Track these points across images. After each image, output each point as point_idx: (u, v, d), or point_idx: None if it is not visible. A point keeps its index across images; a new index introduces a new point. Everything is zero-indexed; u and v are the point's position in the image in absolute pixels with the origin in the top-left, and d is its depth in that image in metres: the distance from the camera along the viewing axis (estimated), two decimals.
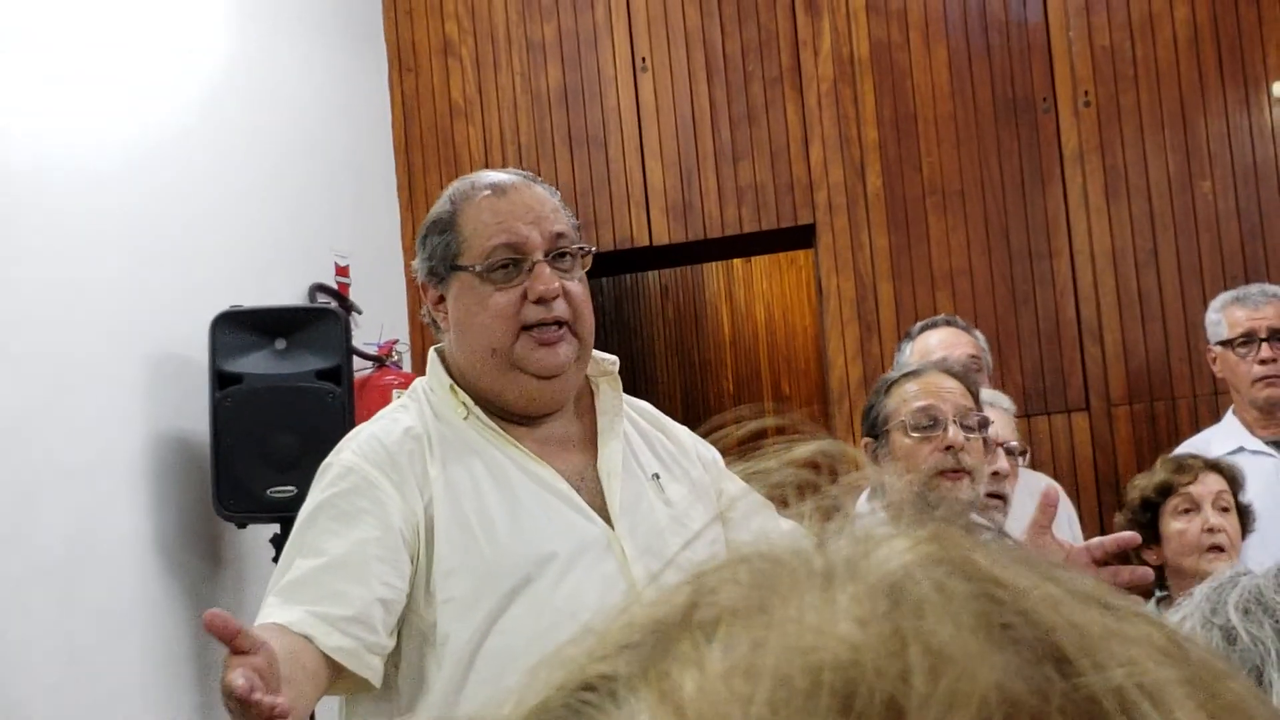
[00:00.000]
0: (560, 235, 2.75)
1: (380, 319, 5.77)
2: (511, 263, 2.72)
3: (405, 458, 2.66)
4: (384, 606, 2.53)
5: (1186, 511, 4.08)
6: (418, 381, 2.88)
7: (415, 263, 2.85)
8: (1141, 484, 4.18)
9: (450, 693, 2.55)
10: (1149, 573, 2.74)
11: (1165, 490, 4.11)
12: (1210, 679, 0.47)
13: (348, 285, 5.89)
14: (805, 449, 0.56)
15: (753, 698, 0.43)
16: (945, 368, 3.57)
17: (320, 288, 5.72)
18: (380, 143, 6.50)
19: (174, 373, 4.99)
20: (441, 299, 2.80)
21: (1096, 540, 2.76)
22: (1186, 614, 1.08)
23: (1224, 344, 5.07)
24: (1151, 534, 4.08)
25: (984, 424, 3.47)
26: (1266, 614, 1.04)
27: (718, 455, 2.94)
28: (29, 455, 4.37)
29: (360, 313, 5.67)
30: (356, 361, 5.30)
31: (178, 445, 4.99)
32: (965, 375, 3.57)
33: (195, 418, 4.97)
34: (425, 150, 6.53)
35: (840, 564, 0.48)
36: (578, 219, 6.42)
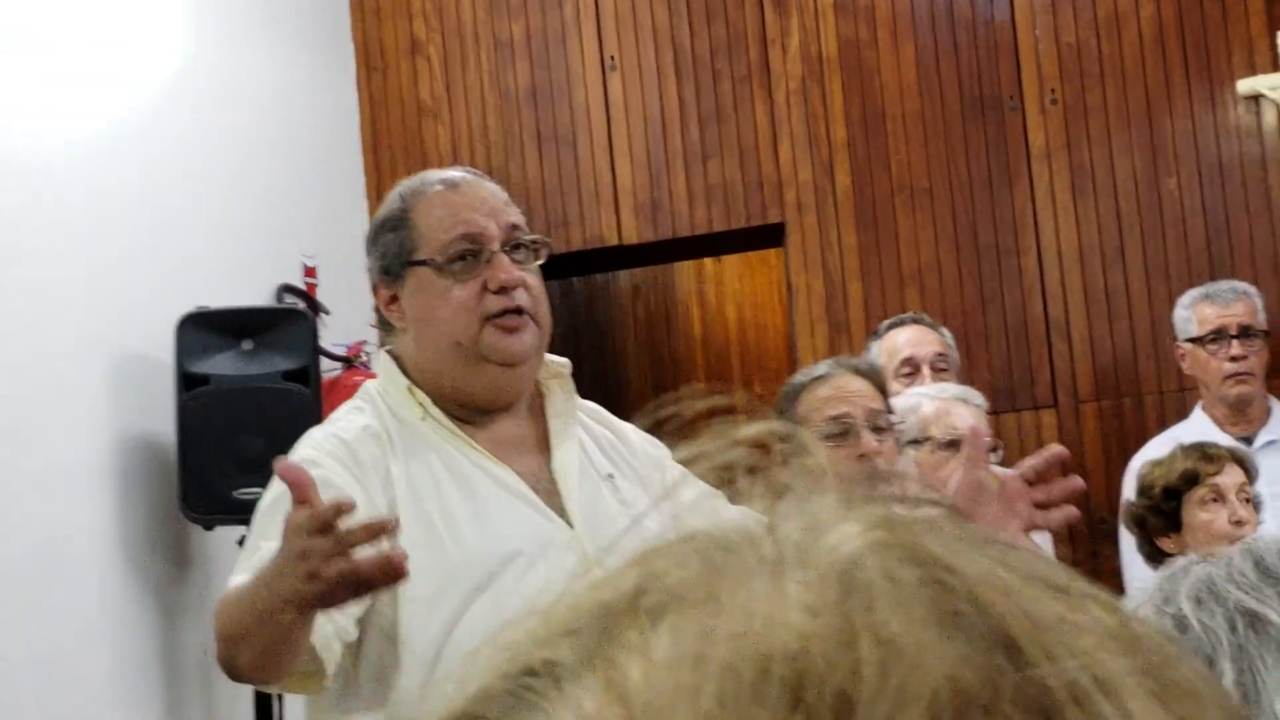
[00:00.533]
0: (515, 226, 2.77)
1: (348, 320, 5.75)
2: (470, 254, 2.72)
3: (367, 455, 2.65)
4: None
5: (1214, 501, 4.05)
6: (369, 384, 2.87)
7: (372, 264, 2.84)
8: (1162, 472, 4.13)
9: (413, 691, 2.53)
10: (1079, 483, 2.76)
11: (1191, 479, 4.08)
12: (1162, 665, 0.47)
13: (315, 286, 5.87)
14: (753, 430, 0.56)
15: (700, 689, 0.43)
16: (853, 367, 3.55)
17: (287, 288, 5.70)
18: (348, 142, 6.48)
19: (140, 374, 4.97)
20: (394, 299, 2.79)
21: (1026, 463, 2.77)
22: (1140, 604, 1.08)
23: (1194, 341, 5.10)
24: (1172, 522, 4.05)
25: (893, 423, 3.46)
26: (1219, 603, 1.04)
27: (666, 452, 2.94)
28: None
29: (328, 313, 5.65)
30: (324, 362, 5.29)
31: (144, 447, 4.97)
32: (873, 374, 3.56)
33: (161, 419, 4.95)
34: (393, 150, 6.52)
35: (790, 550, 0.48)
36: (546, 218, 6.42)
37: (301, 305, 5.52)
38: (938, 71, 6.11)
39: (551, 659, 0.47)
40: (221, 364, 4.96)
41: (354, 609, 2.51)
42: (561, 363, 2.88)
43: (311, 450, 2.65)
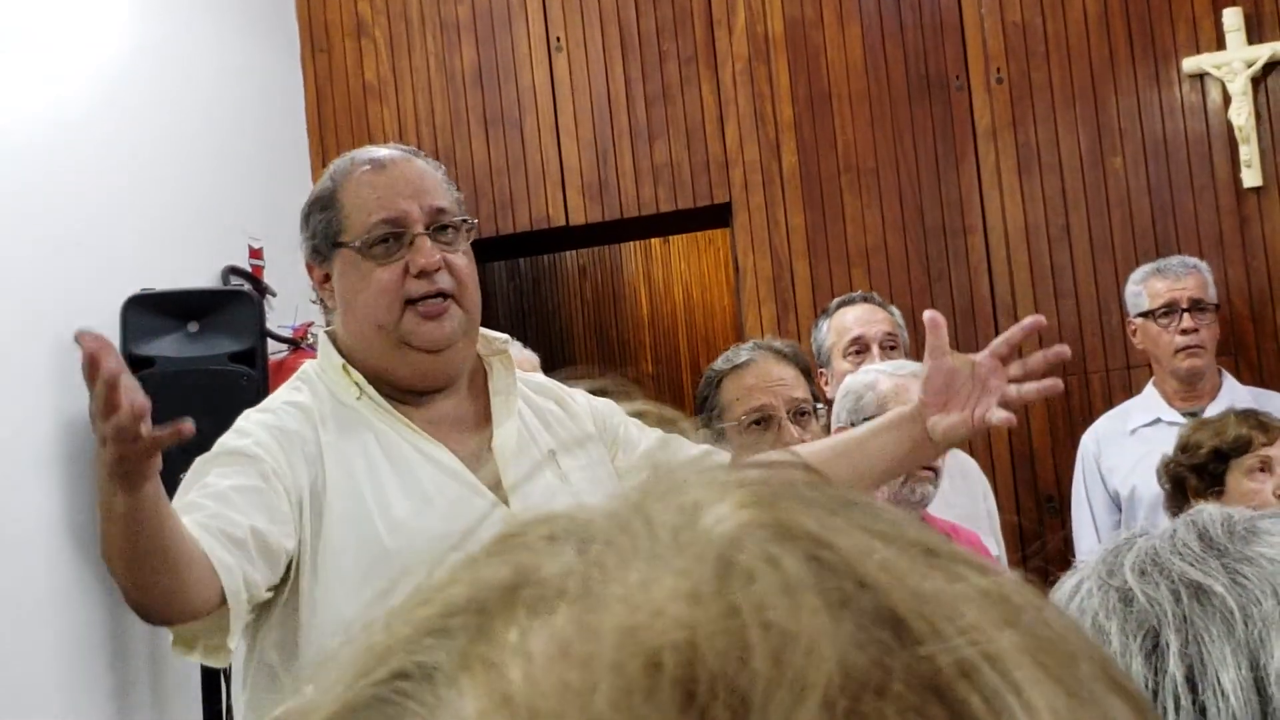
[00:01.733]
0: (440, 210, 2.74)
1: (295, 301, 5.72)
2: (392, 236, 2.70)
3: (296, 426, 2.64)
4: (263, 553, 2.48)
5: (1261, 471, 4.02)
6: (308, 364, 2.86)
7: (304, 242, 2.83)
8: (1211, 433, 4.09)
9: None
10: (1063, 350, 2.76)
11: (1243, 445, 4.05)
12: (1038, 626, 0.47)
13: (261, 268, 5.84)
14: (629, 408, 0.55)
15: (590, 690, 0.42)
16: (776, 351, 3.54)
17: (233, 270, 5.68)
18: (293, 124, 6.45)
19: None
20: (327, 277, 2.78)
21: (998, 340, 2.79)
22: (1084, 576, 1.08)
23: (1145, 315, 5.13)
24: (1215, 484, 4.04)
25: (818, 410, 3.45)
26: (1163, 575, 1.05)
27: (611, 404, 2.93)
28: None
29: (275, 295, 5.62)
30: (271, 344, 5.27)
31: (88, 429, 4.92)
32: (797, 358, 3.54)
33: None
34: (339, 131, 6.49)
35: (665, 534, 0.46)
36: (493, 199, 6.40)
37: (247, 287, 5.49)
38: (884, 51, 6.12)
39: (425, 662, 0.45)
40: (167, 346, 4.93)
41: (266, 571, 2.49)
42: (502, 339, 2.87)
43: (245, 422, 2.65)
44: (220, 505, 2.48)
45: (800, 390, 3.40)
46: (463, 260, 2.76)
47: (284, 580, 2.58)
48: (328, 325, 2.86)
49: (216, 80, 5.92)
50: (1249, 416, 4.15)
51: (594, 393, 2.94)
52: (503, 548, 0.48)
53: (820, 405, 3.50)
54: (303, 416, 2.67)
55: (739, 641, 0.42)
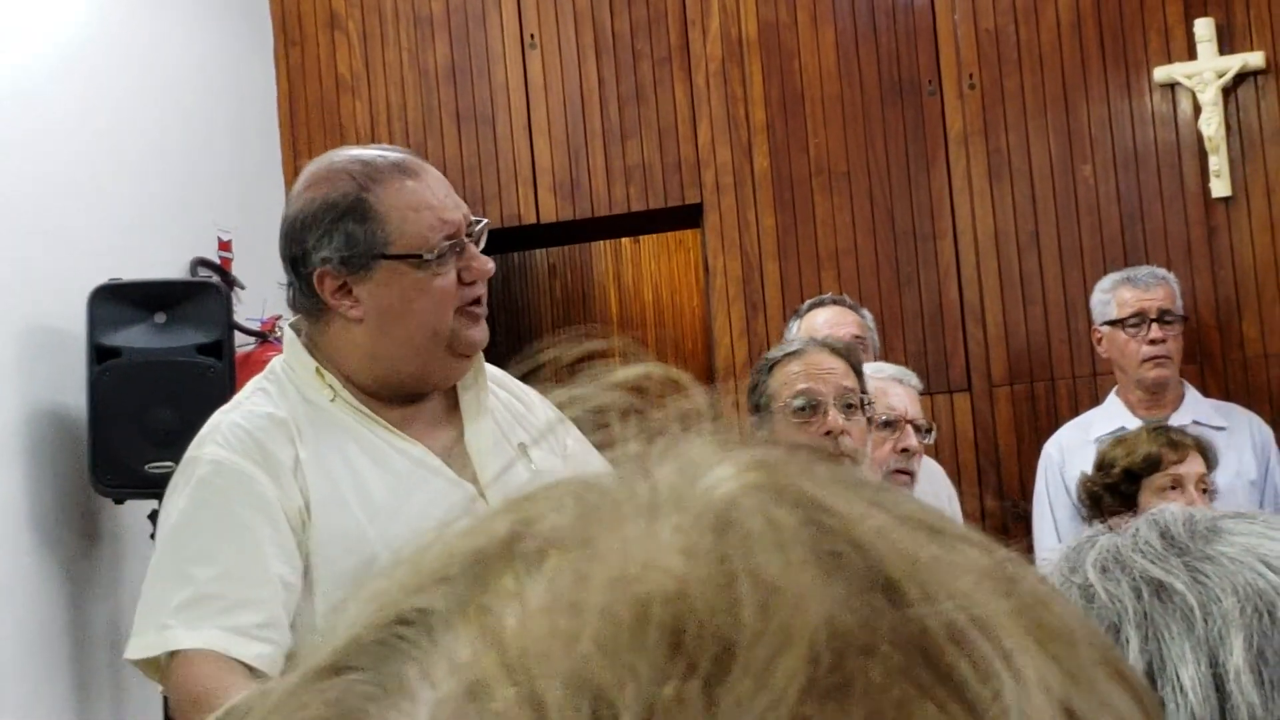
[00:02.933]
0: (470, 215, 2.75)
1: (263, 295, 5.70)
2: (450, 247, 2.69)
3: (274, 445, 2.60)
4: (287, 607, 2.50)
5: (1172, 489, 4.02)
6: (275, 361, 2.80)
7: (315, 252, 2.68)
8: (1124, 453, 4.10)
9: None
10: None
11: (1153, 464, 4.07)
12: (1037, 605, 0.47)
13: (230, 260, 5.82)
14: (630, 372, 0.55)
15: (578, 634, 0.42)
16: (830, 345, 3.56)
17: (202, 262, 5.66)
18: (265, 116, 6.44)
19: (51, 346, 4.92)
20: (342, 286, 2.69)
21: None
22: (1047, 574, 1.08)
23: (1112, 324, 5.15)
24: (1128, 504, 4.04)
25: (866, 403, 3.47)
26: (1124, 572, 1.05)
27: (563, 419, 2.92)
28: None
29: (243, 288, 5.61)
30: (239, 337, 5.25)
31: (54, 419, 4.92)
32: (849, 353, 3.56)
33: (72, 391, 4.90)
34: (310, 124, 6.48)
35: (665, 492, 0.47)
36: (465, 196, 6.40)
37: (216, 279, 5.48)
38: (857, 55, 6.13)
39: (424, 607, 0.46)
40: (134, 336, 4.92)
41: (292, 608, 2.50)
42: None
43: (219, 449, 2.59)
44: (233, 588, 2.48)
45: (850, 381, 3.41)
46: None
47: None
48: (294, 321, 2.81)
49: (189, 71, 5.91)
50: (1160, 434, 4.16)
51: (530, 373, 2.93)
52: (508, 506, 0.49)
53: (870, 401, 3.51)
54: (278, 431, 2.63)
55: (728, 593, 0.43)
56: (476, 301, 2.71)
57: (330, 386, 2.70)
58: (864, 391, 3.47)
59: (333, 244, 2.68)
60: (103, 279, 4.94)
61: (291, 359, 2.75)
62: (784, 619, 0.42)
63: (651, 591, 0.43)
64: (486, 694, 0.42)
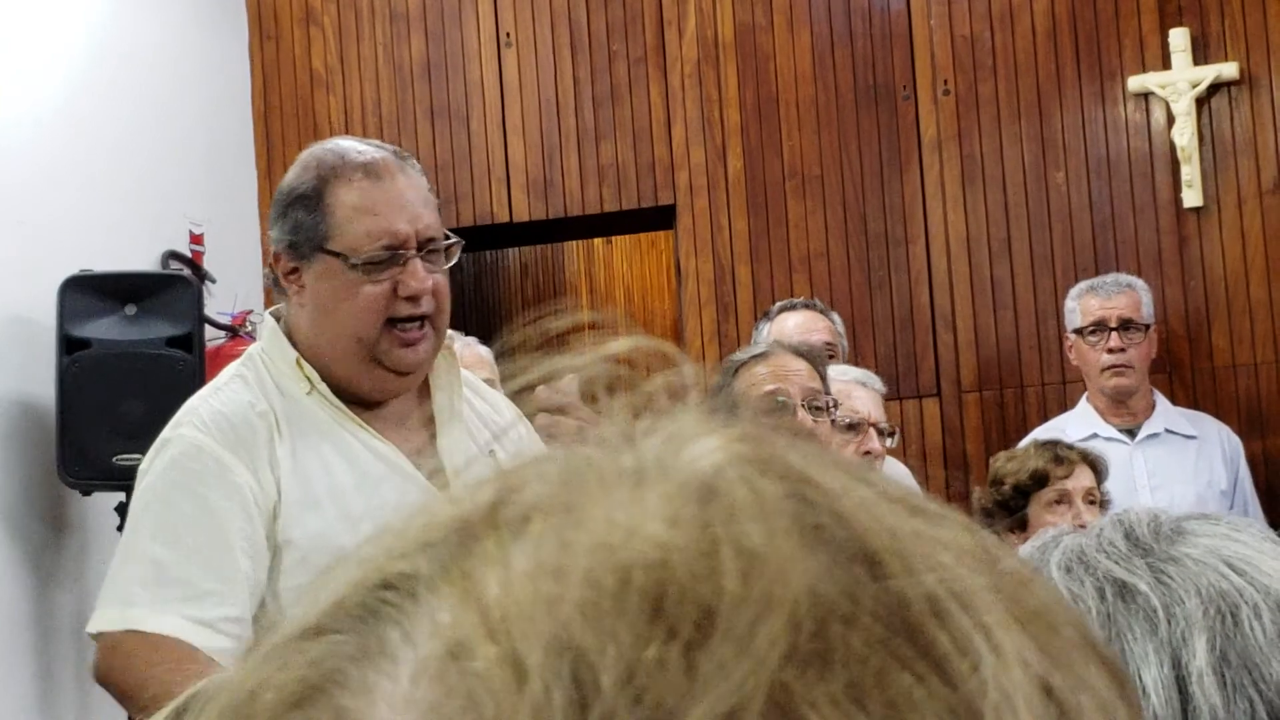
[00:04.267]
0: (432, 238, 2.69)
1: (235, 288, 5.70)
2: (386, 258, 2.65)
3: (253, 437, 2.59)
4: (251, 601, 2.49)
5: (1059, 503, 4.04)
6: (253, 349, 2.79)
7: (272, 231, 2.74)
8: (1013, 469, 4.12)
9: None
10: None
11: (1040, 479, 4.08)
12: (1017, 585, 0.47)
13: (202, 253, 5.81)
14: (618, 345, 0.56)
15: (560, 599, 0.43)
16: (793, 348, 3.57)
17: (173, 255, 5.65)
18: (239, 110, 6.42)
19: (20, 336, 4.90)
20: (295, 270, 2.70)
21: None
22: None
23: (1077, 332, 5.16)
24: (1018, 521, 4.04)
25: (832, 405, 3.48)
26: (1088, 572, 1.05)
27: (522, 414, 2.92)
28: None
29: (214, 281, 5.60)
30: (209, 331, 5.24)
31: (22, 410, 4.90)
32: (813, 355, 3.57)
33: (41, 382, 4.89)
34: (285, 119, 6.46)
35: (650, 462, 0.47)
36: (439, 194, 6.39)
37: (187, 272, 5.46)
38: (832, 59, 6.14)
39: (407, 571, 0.46)
40: (104, 328, 4.90)
41: (248, 624, 2.49)
42: (449, 336, 2.83)
43: (198, 434, 2.58)
44: (199, 576, 2.47)
45: (815, 383, 3.43)
46: (443, 280, 2.71)
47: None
48: (276, 309, 2.80)
49: (163, 63, 5.89)
50: (1046, 448, 4.18)
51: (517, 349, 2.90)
52: (493, 476, 0.49)
53: (835, 403, 3.52)
54: (259, 423, 2.62)
55: (711, 561, 0.43)
56: (413, 321, 2.66)
57: (308, 379, 2.68)
58: (828, 394, 3.49)
59: (285, 227, 2.71)
60: (74, 270, 4.93)
61: (270, 348, 2.73)
62: (766, 586, 0.43)
63: (634, 557, 0.43)
64: (468, 654, 0.43)
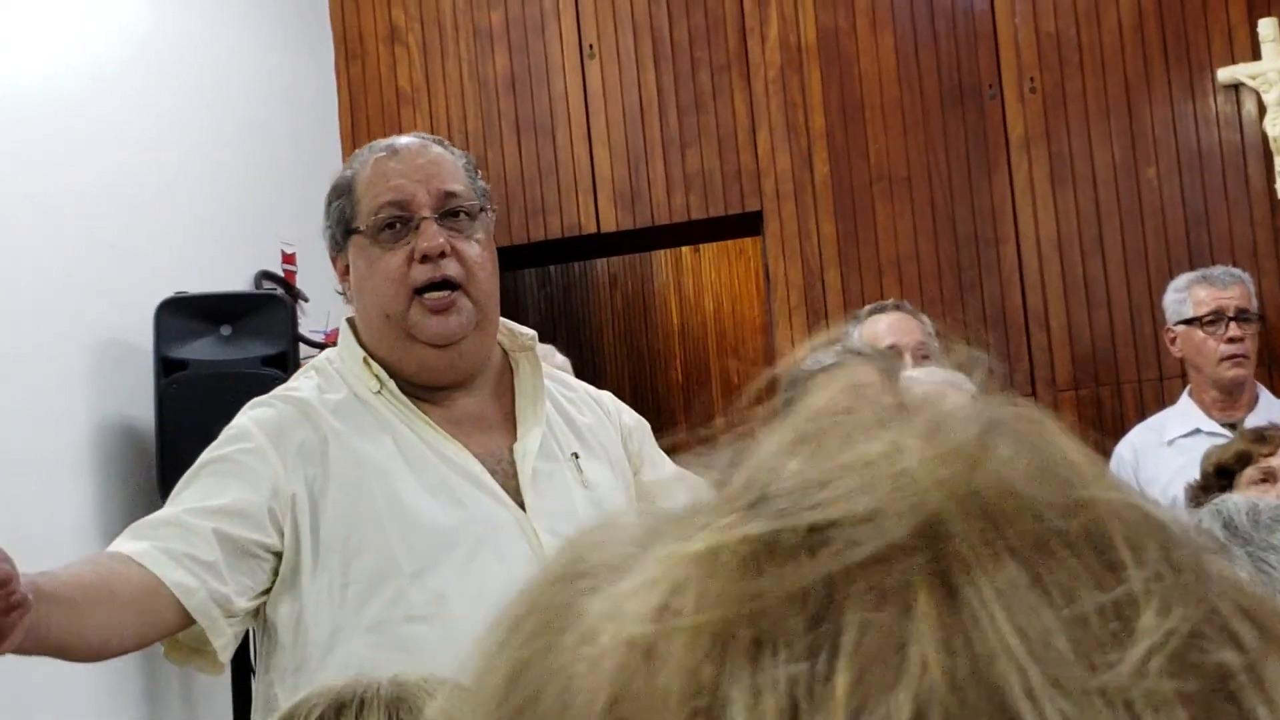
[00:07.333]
0: (451, 194, 2.65)
1: (327, 306, 5.72)
2: (399, 221, 2.63)
3: (294, 432, 2.58)
4: (234, 562, 2.46)
5: (1262, 481, 4.02)
6: (322, 355, 2.80)
7: (326, 230, 2.77)
8: (1218, 451, 4.10)
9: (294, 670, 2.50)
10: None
11: (1243, 459, 4.05)
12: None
13: (294, 273, 5.86)
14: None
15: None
16: (863, 355, 3.50)
17: (266, 275, 5.69)
18: (326, 130, 6.47)
19: (118, 360, 4.96)
20: (348, 269, 2.71)
21: None
22: None
23: (1187, 322, 5.10)
24: None
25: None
26: None
27: (642, 422, 2.88)
28: None
29: (307, 300, 5.64)
30: (303, 349, 5.28)
31: (122, 432, 4.96)
32: (885, 362, 3.50)
33: (140, 405, 4.94)
34: (372, 137, 6.44)
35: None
36: (525, 206, 6.39)
37: (280, 291, 5.51)
38: (917, 60, 6.11)
39: None
40: (200, 349, 4.95)
41: (245, 580, 2.47)
42: (528, 334, 2.79)
43: (248, 420, 2.62)
44: (189, 526, 2.45)
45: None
46: (474, 249, 2.66)
47: (284, 577, 2.55)
48: (349, 317, 2.79)
49: (251, 86, 5.95)
50: (1248, 431, 4.15)
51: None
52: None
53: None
54: (300, 413, 2.61)
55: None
56: (435, 286, 2.61)
57: (376, 377, 2.65)
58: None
59: (330, 220, 2.73)
60: (169, 292, 4.98)
61: (342, 349, 2.73)
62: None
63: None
64: None
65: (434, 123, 6.47)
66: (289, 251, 5.89)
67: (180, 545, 2.42)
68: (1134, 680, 0.43)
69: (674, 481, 2.82)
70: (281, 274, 5.78)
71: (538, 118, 6.40)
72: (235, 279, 5.52)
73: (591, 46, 6.38)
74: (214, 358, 4.95)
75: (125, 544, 2.45)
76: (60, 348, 4.74)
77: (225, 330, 5.02)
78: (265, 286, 5.62)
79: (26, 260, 4.64)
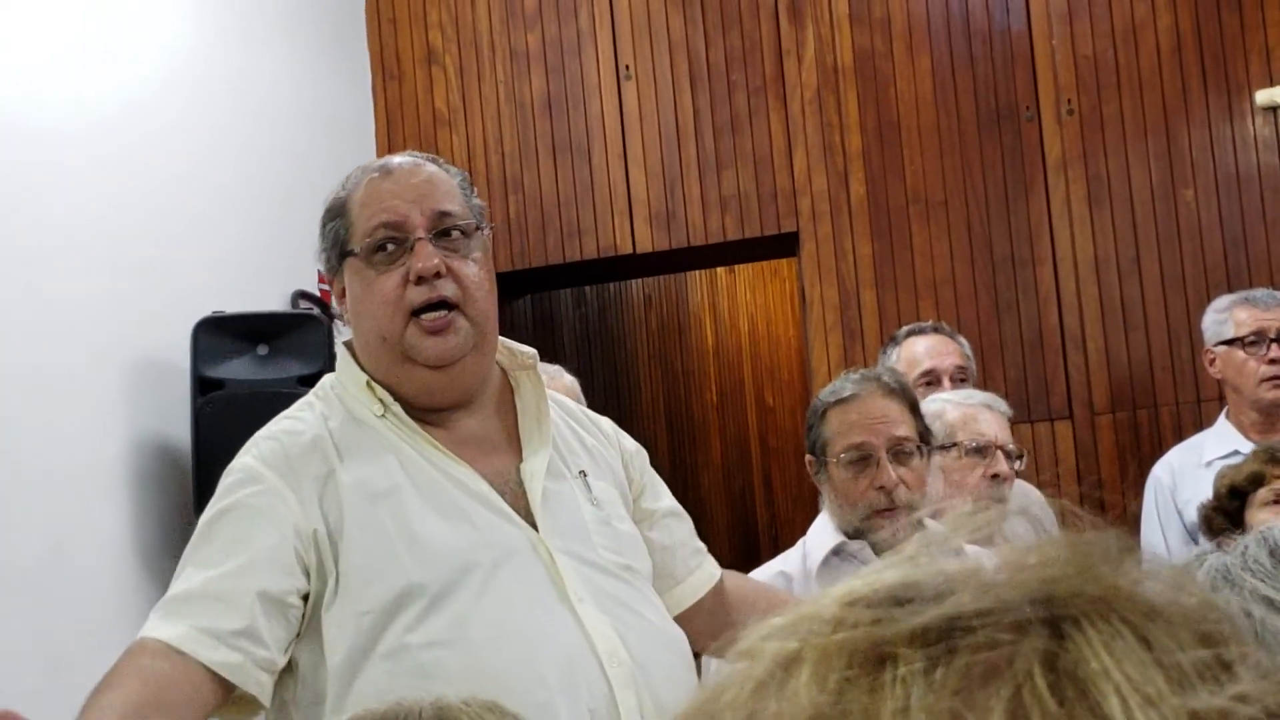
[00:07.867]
0: (445, 213, 2.60)
1: None
2: (393, 242, 2.57)
3: (304, 463, 2.52)
4: (273, 620, 2.41)
5: (1275, 503, 3.99)
6: (325, 380, 2.74)
7: (321, 252, 2.71)
8: (1231, 472, 4.07)
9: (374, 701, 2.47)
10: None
11: (1256, 480, 4.03)
12: None
13: (330, 292, 5.87)
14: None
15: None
16: (883, 386, 3.48)
17: (302, 294, 5.71)
18: (363, 151, 6.50)
19: (156, 379, 4.98)
20: (342, 290, 2.66)
21: None
22: None
23: (1228, 343, 5.07)
24: (1236, 522, 4.00)
25: (924, 442, 3.41)
26: (1234, 590, 1.04)
27: (641, 448, 2.86)
28: (8, 463, 4.36)
29: (343, 319, 5.65)
30: None
31: (159, 451, 4.98)
32: (903, 391, 3.49)
33: (177, 423, 4.96)
34: None
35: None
36: (561, 227, 6.40)
37: (316, 311, 5.52)
38: (953, 82, 6.11)
39: None
40: (237, 368, 4.97)
41: (281, 634, 2.42)
42: (528, 353, 2.74)
43: (253, 460, 2.54)
44: (221, 595, 2.40)
45: (903, 428, 3.34)
46: (470, 268, 2.61)
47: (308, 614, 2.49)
48: (346, 340, 2.72)
49: (289, 107, 5.97)
50: (1261, 452, 4.13)
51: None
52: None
53: (930, 436, 3.46)
54: (307, 444, 2.55)
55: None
56: (431, 307, 2.56)
57: (380, 400, 2.60)
58: (923, 428, 3.42)
59: (325, 243, 2.69)
60: (206, 312, 5.00)
61: (342, 374, 2.67)
62: None
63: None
64: None
65: (470, 144, 6.49)
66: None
67: (217, 621, 2.37)
68: (1234, 704, 0.47)
69: (672, 518, 2.84)
70: (318, 294, 5.80)
71: (574, 139, 6.42)
72: (272, 299, 5.54)
73: (628, 68, 6.39)
74: (250, 377, 4.97)
75: (161, 627, 2.40)
76: (99, 367, 4.76)
77: (262, 350, 5.04)
78: (301, 306, 5.64)
79: (67, 280, 4.66)
